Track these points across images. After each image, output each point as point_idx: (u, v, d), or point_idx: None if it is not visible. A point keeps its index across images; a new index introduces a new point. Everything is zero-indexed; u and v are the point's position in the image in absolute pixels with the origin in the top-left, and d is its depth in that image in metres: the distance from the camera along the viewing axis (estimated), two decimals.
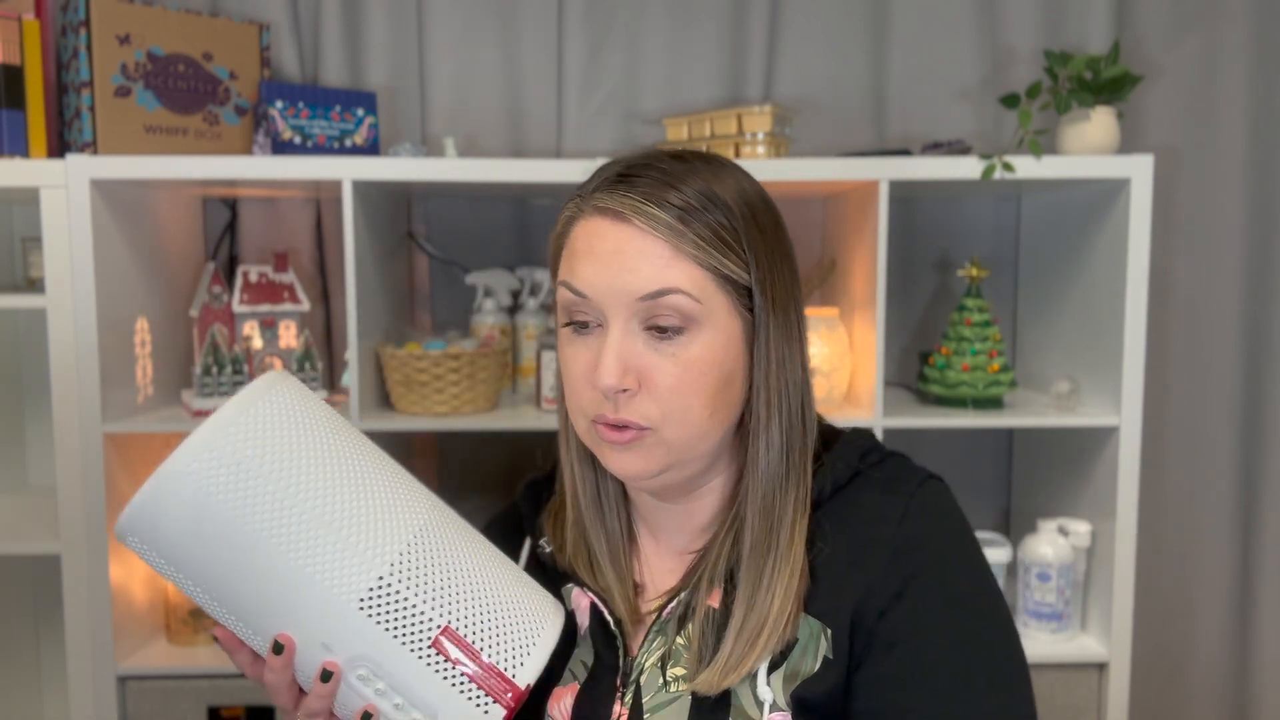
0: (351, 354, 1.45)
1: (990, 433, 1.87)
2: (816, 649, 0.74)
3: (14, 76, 1.43)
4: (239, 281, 1.58)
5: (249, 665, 0.72)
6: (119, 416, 1.46)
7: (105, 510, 1.42)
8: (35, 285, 1.67)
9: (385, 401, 1.58)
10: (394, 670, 0.66)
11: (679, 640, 0.78)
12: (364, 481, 0.68)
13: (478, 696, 0.67)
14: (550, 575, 0.87)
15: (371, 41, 1.71)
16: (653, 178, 0.74)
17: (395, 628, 0.66)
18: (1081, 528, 1.52)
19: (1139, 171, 1.44)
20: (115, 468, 1.45)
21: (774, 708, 0.73)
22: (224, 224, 1.77)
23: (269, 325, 1.60)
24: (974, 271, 1.58)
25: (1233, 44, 1.74)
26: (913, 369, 1.83)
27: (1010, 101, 1.50)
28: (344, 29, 1.71)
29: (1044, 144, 1.57)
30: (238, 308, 1.57)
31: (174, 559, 0.65)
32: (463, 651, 0.67)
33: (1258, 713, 1.82)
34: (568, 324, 0.77)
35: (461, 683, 0.67)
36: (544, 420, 1.49)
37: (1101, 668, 1.51)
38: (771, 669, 0.74)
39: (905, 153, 1.54)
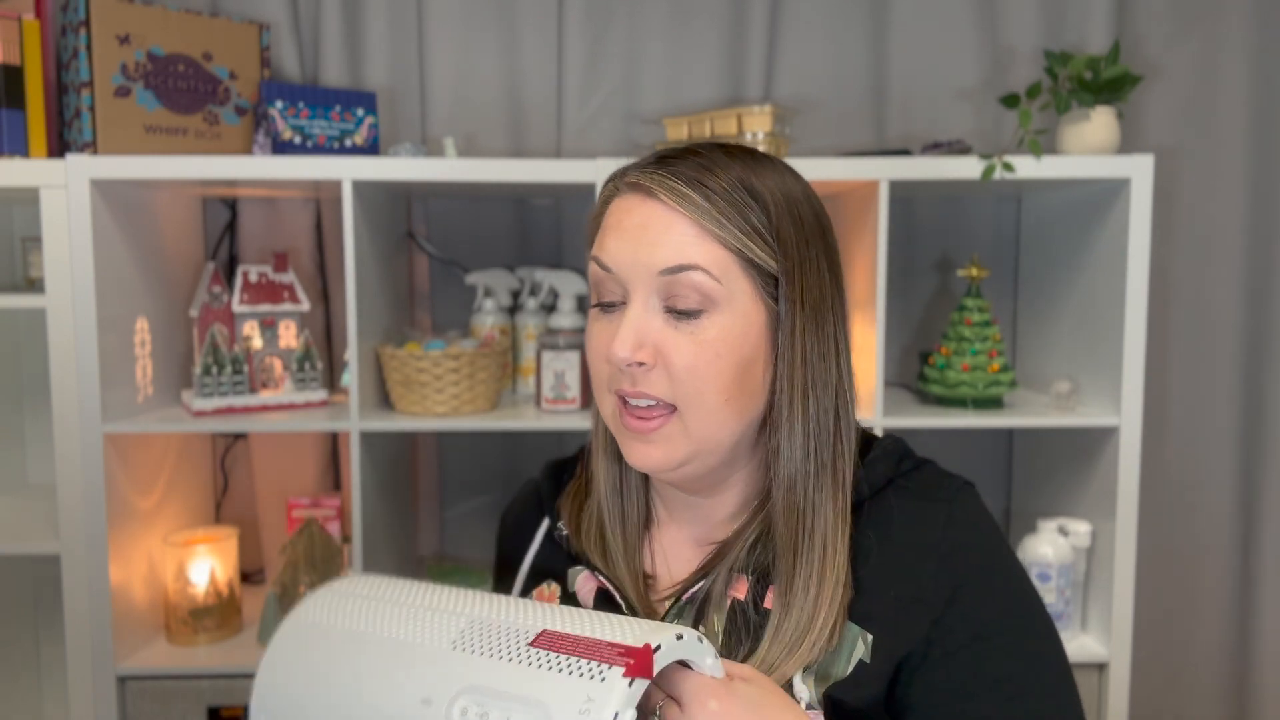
0: (351, 354, 1.45)
1: (990, 433, 1.87)
2: (851, 653, 0.73)
3: (14, 76, 1.43)
4: (239, 281, 1.58)
5: None
6: (119, 416, 1.46)
7: (105, 510, 1.42)
8: (35, 285, 1.67)
9: (385, 401, 1.58)
10: (496, 686, 0.61)
11: (703, 630, 0.77)
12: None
13: (588, 669, 0.59)
14: (562, 557, 0.88)
15: (371, 41, 1.71)
16: (688, 161, 0.75)
17: (490, 650, 0.63)
18: (1081, 528, 1.52)
19: (1139, 171, 1.44)
20: (115, 468, 1.45)
21: (807, 706, 0.72)
22: (224, 224, 1.77)
23: (269, 325, 1.60)
24: (974, 271, 1.58)
25: (1233, 44, 1.74)
26: (913, 369, 1.83)
27: (1010, 101, 1.50)
28: (344, 29, 1.71)
29: (1044, 144, 1.57)
30: (238, 308, 1.57)
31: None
32: (563, 642, 0.62)
33: (1258, 712, 1.82)
34: (596, 304, 0.78)
35: (568, 665, 0.60)
36: (544, 420, 1.49)
37: (1101, 668, 1.51)
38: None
39: (905, 153, 1.54)
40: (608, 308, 0.77)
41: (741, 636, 0.75)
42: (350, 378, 1.47)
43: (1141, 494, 1.52)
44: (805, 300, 0.75)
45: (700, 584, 0.78)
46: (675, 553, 0.84)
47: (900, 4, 1.75)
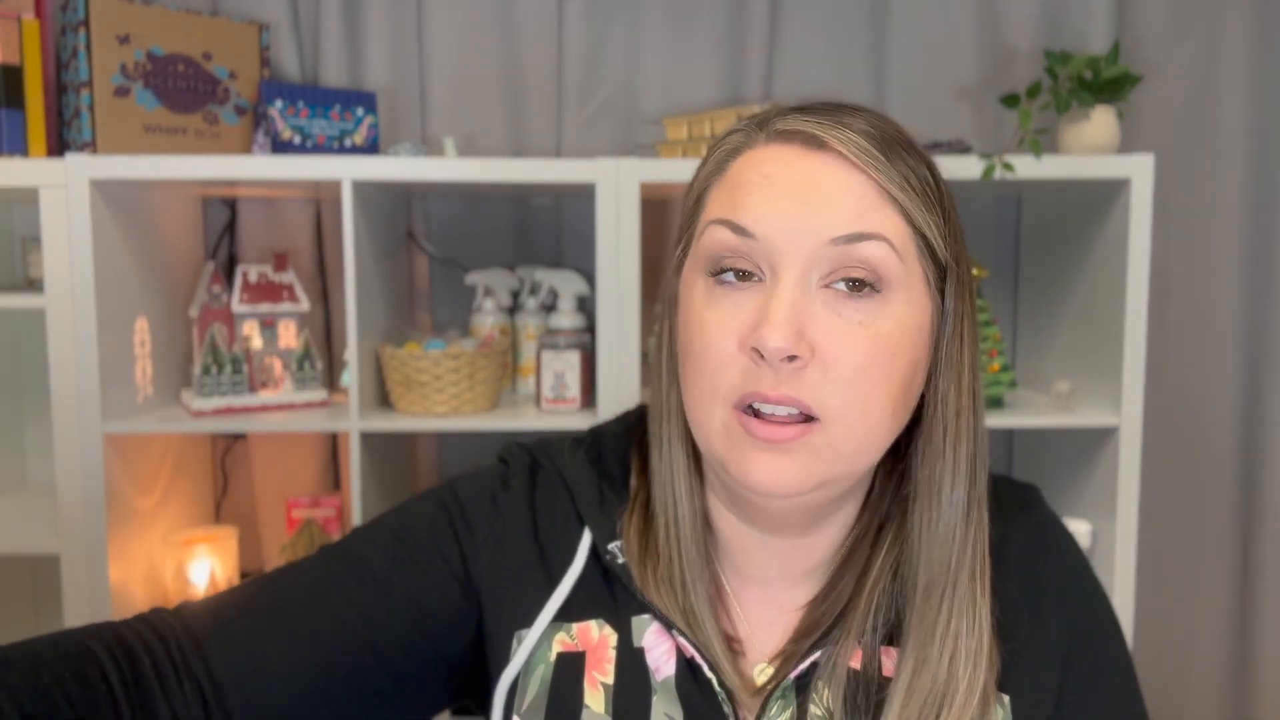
0: (351, 354, 1.45)
1: (990, 432, 1.87)
2: (986, 714, 0.63)
3: (14, 76, 1.43)
4: (239, 281, 1.58)
5: None
6: (119, 416, 1.46)
7: (105, 510, 1.42)
8: (35, 285, 1.67)
9: (385, 401, 1.58)
10: None
11: (814, 710, 0.62)
12: None
13: None
14: (616, 593, 0.67)
15: (371, 41, 1.71)
16: (847, 107, 0.61)
17: None
18: (1081, 528, 1.52)
19: (1139, 171, 1.44)
20: (115, 468, 1.45)
21: None
22: (224, 224, 1.77)
23: (269, 325, 1.60)
24: (974, 271, 1.57)
25: (1233, 44, 1.74)
26: None
27: (1010, 101, 1.50)
28: (344, 29, 1.71)
29: (1044, 144, 1.56)
30: (237, 307, 1.57)
31: None
32: None
33: (1258, 712, 1.82)
34: (716, 273, 0.60)
35: None
36: (544, 421, 1.49)
37: None
38: None
39: None
40: (741, 277, 0.59)
41: (862, 715, 0.61)
42: (350, 378, 1.47)
43: (1141, 494, 1.52)
44: (968, 296, 0.61)
45: (813, 657, 0.63)
46: (752, 610, 0.67)
47: (900, 4, 1.75)
